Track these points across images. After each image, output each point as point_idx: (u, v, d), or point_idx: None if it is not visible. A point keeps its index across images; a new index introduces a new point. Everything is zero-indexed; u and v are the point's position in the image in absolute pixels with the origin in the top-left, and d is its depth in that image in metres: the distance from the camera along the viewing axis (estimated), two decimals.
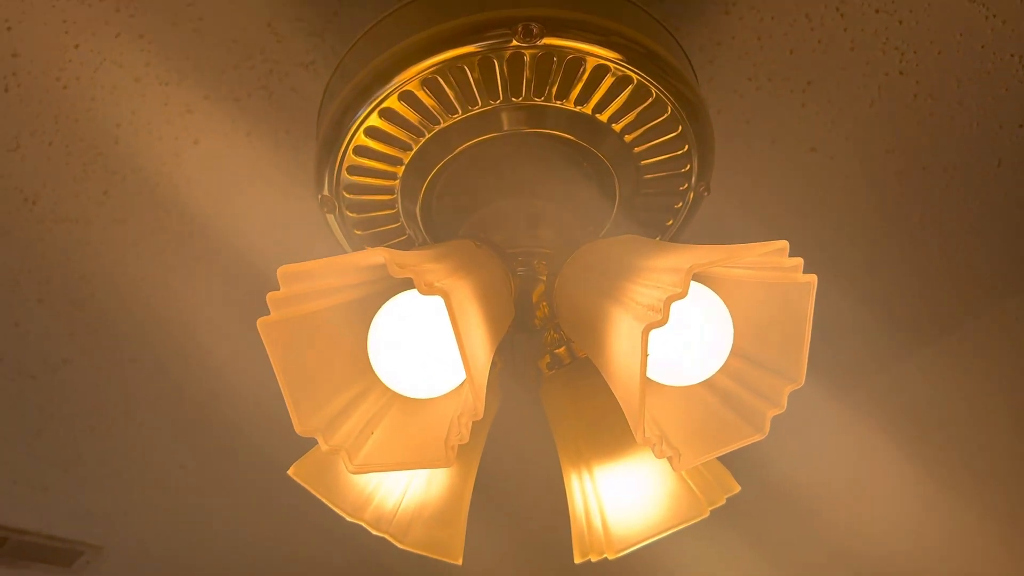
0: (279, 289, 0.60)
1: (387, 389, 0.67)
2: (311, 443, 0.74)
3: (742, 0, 1.05)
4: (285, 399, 0.62)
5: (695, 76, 0.86)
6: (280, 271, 0.59)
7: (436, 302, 0.61)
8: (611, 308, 0.62)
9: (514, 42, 0.73)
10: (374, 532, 0.73)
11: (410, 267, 0.56)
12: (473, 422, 0.64)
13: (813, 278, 0.62)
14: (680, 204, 0.89)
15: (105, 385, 1.49)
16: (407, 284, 0.66)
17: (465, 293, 0.60)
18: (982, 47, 1.13)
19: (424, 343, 0.64)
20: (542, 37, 0.73)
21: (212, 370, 1.50)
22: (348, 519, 0.72)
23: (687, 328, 0.65)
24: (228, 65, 1.07)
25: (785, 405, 0.65)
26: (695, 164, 0.85)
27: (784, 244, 0.59)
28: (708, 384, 0.69)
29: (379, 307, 0.66)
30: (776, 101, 1.18)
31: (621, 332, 0.60)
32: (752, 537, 1.92)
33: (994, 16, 1.08)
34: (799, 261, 0.61)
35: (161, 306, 1.37)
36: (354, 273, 0.64)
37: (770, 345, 0.66)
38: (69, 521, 1.85)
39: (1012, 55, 1.14)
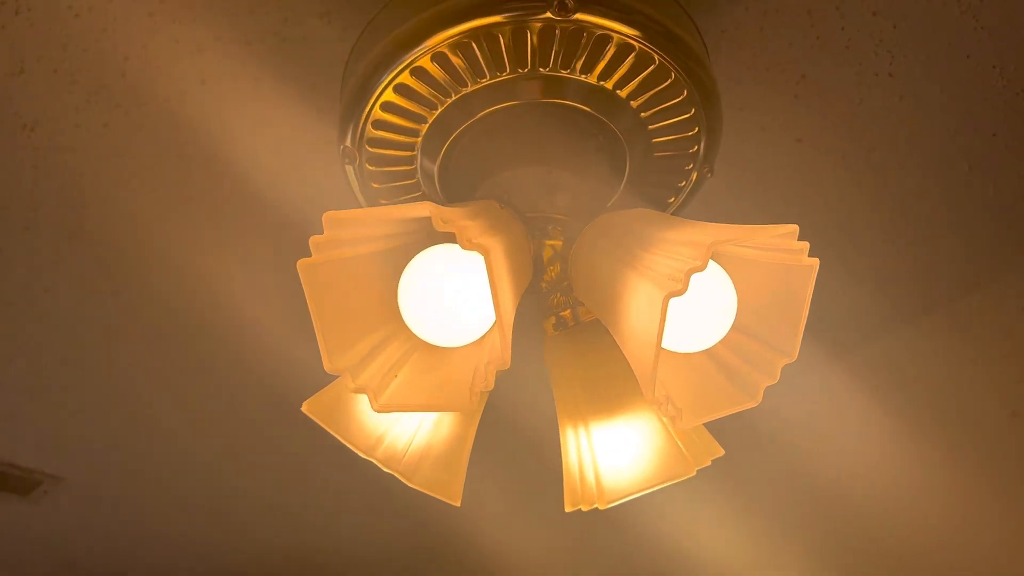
0: (322, 233, 0.63)
1: (412, 335, 0.71)
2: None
3: None
4: (317, 337, 0.65)
5: (709, 62, 0.90)
6: (325, 216, 0.62)
7: (466, 255, 0.65)
8: (629, 276, 0.67)
9: (548, 14, 0.76)
10: (385, 469, 0.77)
11: (453, 222, 0.59)
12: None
13: (816, 262, 0.67)
14: (684, 183, 0.94)
15: (85, 318, 1.49)
16: (441, 238, 0.69)
17: (500, 250, 0.63)
18: (967, 57, 1.19)
19: (451, 294, 0.68)
20: (575, 12, 0.76)
21: (195, 311, 1.51)
22: (362, 456, 0.75)
23: (696, 300, 0.70)
24: (243, 9, 1.07)
25: (778, 377, 0.71)
26: (703, 146, 0.90)
27: (794, 228, 0.65)
28: (709, 353, 0.74)
29: (410, 257, 0.70)
30: (770, 91, 1.23)
31: (640, 299, 0.64)
32: (738, 490, 2.02)
33: (982, 28, 1.14)
34: (805, 245, 0.67)
35: (149, 243, 1.38)
36: (394, 224, 0.67)
37: (769, 321, 0.71)
38: (32, 450, 1.84)
39: (994, 67, 1.20)
